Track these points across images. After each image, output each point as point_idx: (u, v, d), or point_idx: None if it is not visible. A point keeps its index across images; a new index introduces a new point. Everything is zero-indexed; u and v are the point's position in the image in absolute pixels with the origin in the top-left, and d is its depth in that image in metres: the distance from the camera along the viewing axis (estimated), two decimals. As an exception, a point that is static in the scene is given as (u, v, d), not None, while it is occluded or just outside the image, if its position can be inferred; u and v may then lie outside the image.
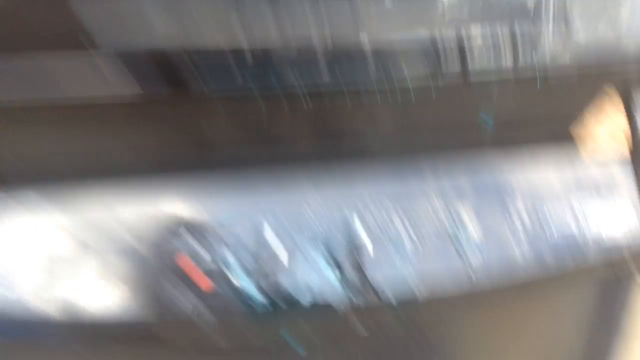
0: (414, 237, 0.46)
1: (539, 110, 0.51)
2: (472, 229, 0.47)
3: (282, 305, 0.41)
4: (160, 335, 0.42)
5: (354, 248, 0.43)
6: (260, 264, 0.42)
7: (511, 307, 0.54)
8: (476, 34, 0.41)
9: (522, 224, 0.48)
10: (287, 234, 0.43)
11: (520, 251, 0.47)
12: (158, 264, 0.42)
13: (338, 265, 0.43)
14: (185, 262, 0.42)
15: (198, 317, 0.42)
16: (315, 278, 0.42)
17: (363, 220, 0.45)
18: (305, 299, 0.42)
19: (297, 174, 0.45)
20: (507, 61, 0.42)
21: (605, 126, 0.54)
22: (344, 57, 0.39)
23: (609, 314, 0.58)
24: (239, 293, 0.41)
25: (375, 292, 0.43)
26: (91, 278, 0.41)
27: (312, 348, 0.48)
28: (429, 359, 0.55)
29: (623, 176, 0.51)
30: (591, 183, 0.51)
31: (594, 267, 0.51)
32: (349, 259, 0.43)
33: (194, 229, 0.42)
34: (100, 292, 0.41)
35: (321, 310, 0.42)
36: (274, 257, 0.43)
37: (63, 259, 0.40)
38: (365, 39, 0.39)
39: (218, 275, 0.43)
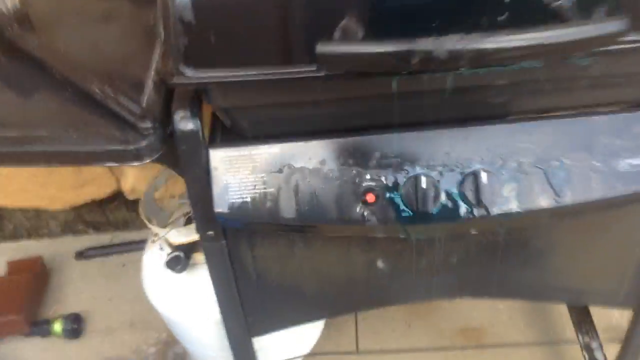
0: (518, 172, 0.75)
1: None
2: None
3: (418, 214, 0.74)
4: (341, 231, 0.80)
5: (474, 179, 0.74)
6: (409, 192, 0.75)
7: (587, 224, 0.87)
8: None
9: (599, 162, 0.75)
10: (431, 172, 0.75)
11: (596, 183, 0.75)
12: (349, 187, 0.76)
13: (463, 194, 0.74)
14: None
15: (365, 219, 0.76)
16: (443, 200, 0.75)
17: (481, 163, 0.75)
18: (438, 214, 0.75)
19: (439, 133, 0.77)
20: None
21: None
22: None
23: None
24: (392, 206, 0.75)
25: (486, 208, 0.74)
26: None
27: (432, 243, 0.86)
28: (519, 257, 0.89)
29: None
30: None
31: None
32: (470, 186, 0.74)
33: (373, 170, 0.76)
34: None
35: (448, 221, 0.76)
36: (418, 186, 0.75)
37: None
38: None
39: (381, 196, 0.75)
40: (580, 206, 0.77)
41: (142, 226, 1.45)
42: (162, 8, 0.66)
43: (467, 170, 0.77)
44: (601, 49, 0.63)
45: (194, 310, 1.03)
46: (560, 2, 0.62)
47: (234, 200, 0.79)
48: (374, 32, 0.63)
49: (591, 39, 0.58)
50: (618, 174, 0.76)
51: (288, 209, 0.78)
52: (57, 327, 1.41)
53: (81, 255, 1.61)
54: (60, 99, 0.80)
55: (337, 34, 0.63)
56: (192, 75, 0.68)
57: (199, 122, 0.76)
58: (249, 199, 0.78)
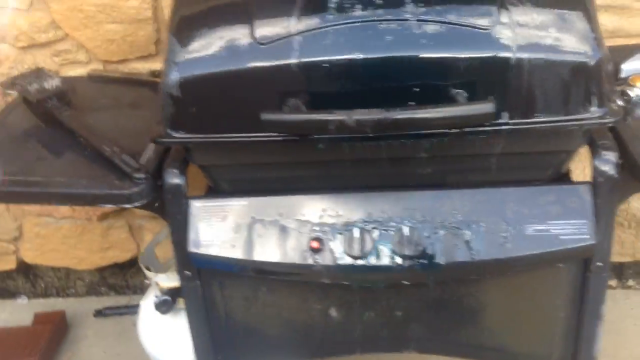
0: (441, 232, 0.90)
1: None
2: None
3: (357, 264, 0.89)
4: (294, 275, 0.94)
5: (403, 235, 0.89)
6: (348, 242, 0.90)
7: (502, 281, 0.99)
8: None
9: (510, 227, 0.89)
10: (367, 227, 0.91)
11: (507, 244, 0.88)
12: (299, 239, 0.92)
13: (393, 247, 0.89)
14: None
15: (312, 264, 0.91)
16: (376, 251, 0.90)
17: (410, 222, 0.91)
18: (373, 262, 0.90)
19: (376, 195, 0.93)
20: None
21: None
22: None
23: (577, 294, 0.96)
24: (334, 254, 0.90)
25: (411, 260, 0.88)
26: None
27: (376, 295, 0.99)
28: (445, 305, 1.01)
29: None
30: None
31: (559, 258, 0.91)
32: (399, 241, 0.89)
33: (320, 223, 0.92)
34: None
35: (381, 269, 0.90)
36: (356, 239, 0.90)
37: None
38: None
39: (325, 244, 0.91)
40: (493, 263, 0.91)
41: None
42: (159, 87, 0.87)
43: (398, 227, 0.92)
44: (483, 128, 0.81)
45: (173, 349, 1.17)
46: (457, 92, 0.81)
47: (205, 243, 0.96)
48: (312, 108, 0.83)
49: (465, 116, 0.76)
50: (525, 237, 0.90)
51: (249, 252, 0.95)
52: (67, 373, 1.56)
53: (99, 313, 1.78)
54: (79, 157, 1.02)
55: (285, 109, 0.83)
56: (176, 136, 0.88)
57: (184, 178, 0.96)
58: (218, 242, 0.96)
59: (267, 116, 0.79)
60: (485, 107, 0.75)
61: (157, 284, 1.17)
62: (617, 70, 1.03)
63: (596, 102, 0.82)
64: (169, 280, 1.15)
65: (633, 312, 1.72)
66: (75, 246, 1.72)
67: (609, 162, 0.89)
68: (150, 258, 1.21)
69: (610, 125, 0.83)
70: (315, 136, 0.84)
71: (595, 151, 0.89)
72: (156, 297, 1.17)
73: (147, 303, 1.23)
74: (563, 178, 0.98)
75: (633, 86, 0.98)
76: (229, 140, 0.87)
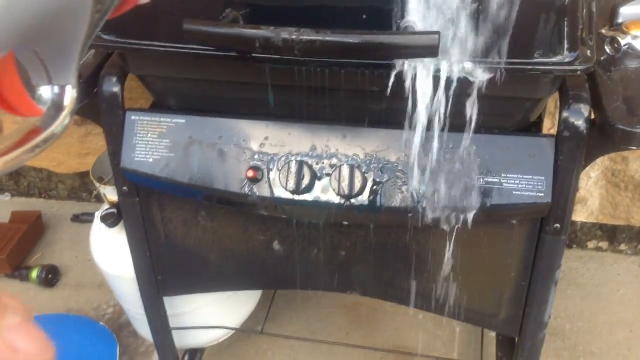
0: (385, 173, 0.83)
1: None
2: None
3: (293, 198, 0.84)
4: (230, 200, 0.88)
5: (344, 172, 0.83)
6: (285, 175, 0.84)
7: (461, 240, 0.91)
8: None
9: (456, 176, 0.81)
10: (308, 160, 0.85)
11: (453, 195, 0.82)
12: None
13: (332, 185, 0.83)
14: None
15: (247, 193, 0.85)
16: (313, 187, 0.84)
17: (353, 159, 0.84)
18: (309, 198, 0.84)
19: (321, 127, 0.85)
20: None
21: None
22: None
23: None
24: (271, 185, 0.85)
25: (349, 200, 0.83)
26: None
27: (317, 231, 0.94)
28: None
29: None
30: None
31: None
32: (339, 177, 0.83)
33: (260, 152, 0.86)
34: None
35: (318, 206, 0.84)
36: (293, 172, 0.84)
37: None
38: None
39: (263, 174, 0.85)
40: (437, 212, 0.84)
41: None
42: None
43: (340, 163, 0.85)
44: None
45: (119, 263, 1.15)
46: (407, 23, 0.71)
47: (138, 159, 0.91)
48: (248, 22, 0.75)
49: (403, 46, 0.67)
50: (474, 188, 0.83)
51: (182, 174, 0.89)
52: (34, 274, 1.57)
53: (76, 218, 1.78)
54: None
55: (222, 20, 0.75)
56: (105, 38, 0.81)
57: (120, 86, 0.90)
58: (151, 160, 0.90)
59: (188, 25, 0.71)
60: (428, 38, 0.66)
61: (104, 195, 1.13)
62: (614, 13, 0.91)
63: (566, 46, 0.72)
64: (116, 193, 1.10)
65: (619, 277, 1.64)
66: (53, 149, 1.69)
67: (578, 115, 0.79)
68: (103, 167, 1.17)
69: (580, 73, 0.73)
70: (255, 55, 0.76)
71: (564, 101, 0.80)
72: (103, 209, 1.13)
73: (99, 214, 1.20)
74: (531, 128, 0.88)
75: (626, 33, 0.86)
76: (160, 50, 0.80)
